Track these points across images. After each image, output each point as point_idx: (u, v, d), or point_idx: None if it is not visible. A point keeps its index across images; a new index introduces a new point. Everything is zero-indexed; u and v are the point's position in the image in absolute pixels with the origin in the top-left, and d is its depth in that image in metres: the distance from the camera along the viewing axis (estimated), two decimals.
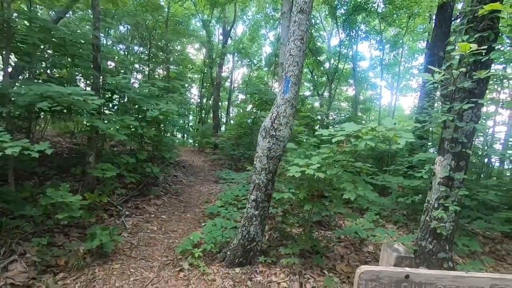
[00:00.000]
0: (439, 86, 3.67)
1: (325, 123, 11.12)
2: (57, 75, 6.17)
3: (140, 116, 5.22)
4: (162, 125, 5.38)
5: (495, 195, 5.53)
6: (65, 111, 4.06)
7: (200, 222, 4.81)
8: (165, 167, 6.60)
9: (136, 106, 5.26)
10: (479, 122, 3.46)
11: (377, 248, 4.23)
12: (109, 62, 6.50)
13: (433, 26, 8.83)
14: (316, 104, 19.29)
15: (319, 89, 19.65)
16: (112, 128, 3.90)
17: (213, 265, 3.36)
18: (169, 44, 9.67)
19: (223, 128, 19.41)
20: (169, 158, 5.55)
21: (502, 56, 3.76)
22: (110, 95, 5.25)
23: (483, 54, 2.92)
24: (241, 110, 24.70)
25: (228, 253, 3.38)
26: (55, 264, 3.01)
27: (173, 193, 6.27)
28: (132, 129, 4.70)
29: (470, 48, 2.82)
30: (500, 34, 3.35)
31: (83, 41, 5.06)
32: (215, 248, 3.56)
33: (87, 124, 3.77)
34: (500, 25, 3.39)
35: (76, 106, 3.39)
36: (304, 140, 6.78)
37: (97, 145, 4.79)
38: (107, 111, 5.19)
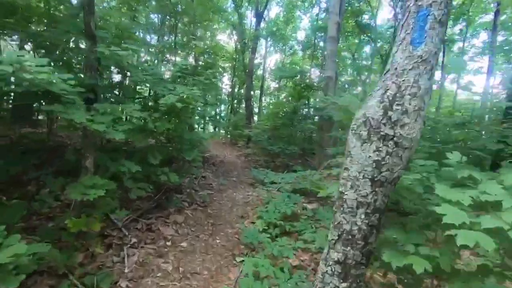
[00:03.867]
0: None
1: None
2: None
3: (152, 104, 3.89)
4: (182, 117, 3.98)
5: None
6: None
7: (234, 255, 3.37)
8: (190, 168, 5.27)
9: (146, 92, 3.90)
10: None
11: None
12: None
13: None
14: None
15: (361, 72, 17.35)
16: (101, 122, 2.54)
17: None
18: (196, 21, 8.30)
19: (255, 118, 17.94)
20: (192, 161, 4.17)
21: None
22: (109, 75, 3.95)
23: None
24: (276, 98, 23.06)
25: None
26: None
27: (200, 202, 4.92)
28: (139, 122, 3.36)
29: None
30: None
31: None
32: None
33: (64, 117, 2.45)
34: None
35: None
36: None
37: (95, 144, 3.54)
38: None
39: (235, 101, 21.64)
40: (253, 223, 4.34)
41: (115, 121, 2.83)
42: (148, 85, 4.57)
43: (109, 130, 2.66)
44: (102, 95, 4.03)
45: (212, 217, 4.48)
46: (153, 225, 3.75)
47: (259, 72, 21.94)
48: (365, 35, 12.32)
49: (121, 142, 4.18)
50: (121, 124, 2.85)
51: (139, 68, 3.75)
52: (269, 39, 20.36)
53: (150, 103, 4.68)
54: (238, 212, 4.85)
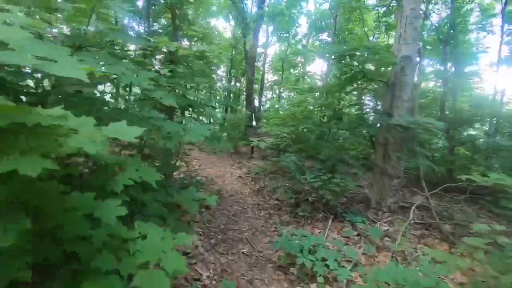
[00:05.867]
0: None
1: None
2: None
3: None
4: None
5: None
6: None
7: None
8: None
9: None
10: None
11: None
12: None
13: None
14: None
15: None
16: None
17: None
18: None
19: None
20: None
21: None
22: None
23: None
24: (275, 94, 19.62)
25: None
26: None
27: None
28: None
29: None
30: None
31: None
32: None
33: None
34: None
35: None
36: None
37: None
38: None
39: (231, 95, 18.17)
40: None
41: None
42: None
43: None
44: None
45: None
46: None
47: (258, 63, 18.46)
48: None
49: None
50: None
51: None
52: (270, 25, 17.05)
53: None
54: None
